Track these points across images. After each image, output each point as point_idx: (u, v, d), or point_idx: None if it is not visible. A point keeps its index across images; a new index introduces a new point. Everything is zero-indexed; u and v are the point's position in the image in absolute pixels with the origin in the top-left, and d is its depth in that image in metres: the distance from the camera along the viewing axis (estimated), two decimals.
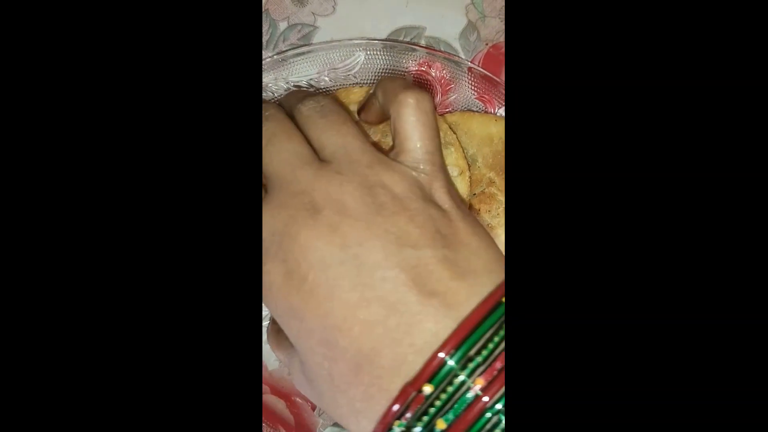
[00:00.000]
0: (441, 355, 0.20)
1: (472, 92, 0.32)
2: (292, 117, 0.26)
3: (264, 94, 0.32)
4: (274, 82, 0.31)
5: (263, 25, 0.33)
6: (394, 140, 0.25)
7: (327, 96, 0.26)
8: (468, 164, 0.29)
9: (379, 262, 0.21)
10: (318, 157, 0.24)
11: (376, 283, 0.21)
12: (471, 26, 0.34)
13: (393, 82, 0.26)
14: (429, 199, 0.23)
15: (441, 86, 0.32)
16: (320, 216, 0.22)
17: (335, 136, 0.24)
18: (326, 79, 0.32)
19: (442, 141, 0.29)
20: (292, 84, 0.32)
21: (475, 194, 0.30)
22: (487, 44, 0.34)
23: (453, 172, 0.29)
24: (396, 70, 0.32)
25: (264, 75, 0.31)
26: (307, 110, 0.25)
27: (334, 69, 0.32)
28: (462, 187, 0.29)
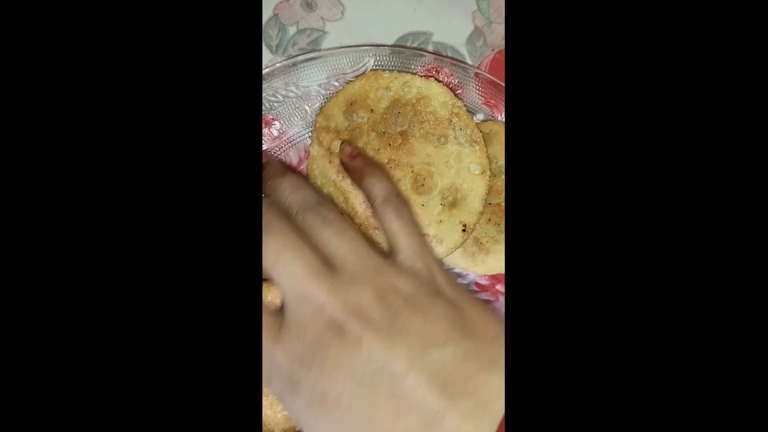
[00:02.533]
0: None
1: (479, 97, 0.32)
2: (287, 211, 0.28)
3: (274, 98, 0.32)
4: (284, 86, 0.32)
5: (273, 30, 0.34)
6: (388, 242, 0.28)
7: (325, 204, 0.28)
8: (490, 166, 0.30)
9: (407, 369, 0.22)
10: (326, 263, 0.25)
11: (407, 392, 0.22)
12: (477, 32, 0.34)
13: (374, 188, 0.28)
14: (435, 292, 0.25)
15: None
16: (344, 333, 0.23)
17: (342, 244, 0.26)
18: (335, 84, 0.32)
19: (469, 140, 0.30)
20: (302, 89, 0.32)
21: (490, 204, 0.31)
22: (493, 50, 0.34)
23: (475, 170, 0.30)
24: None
25: (274, 80, 0.32)
26: (311, 220, 0.27)
27: (344, 74, 0.32)
28: (481, 186, 0.30)
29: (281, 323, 0.25)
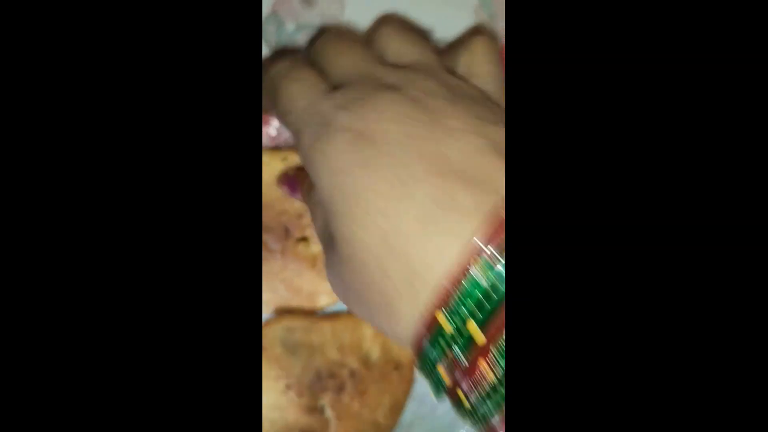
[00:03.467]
0: None
1: None
2: None
3: None
4: None
5: (271, 27, 0.33)
6: (464, 70, 0.25)
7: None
8: None
9: (459, 127, 0.20)
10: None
11: (454, 142, 0.20)
12: (480, 27, 0.34)
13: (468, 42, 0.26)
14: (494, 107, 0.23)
15: None
16: (402, 90, 0.21)
17: (409, 48, 0.24)
18: None
19: None
20: None
21: None
22: None
23: None
24: None
25: None
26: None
27: None
28: None
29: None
